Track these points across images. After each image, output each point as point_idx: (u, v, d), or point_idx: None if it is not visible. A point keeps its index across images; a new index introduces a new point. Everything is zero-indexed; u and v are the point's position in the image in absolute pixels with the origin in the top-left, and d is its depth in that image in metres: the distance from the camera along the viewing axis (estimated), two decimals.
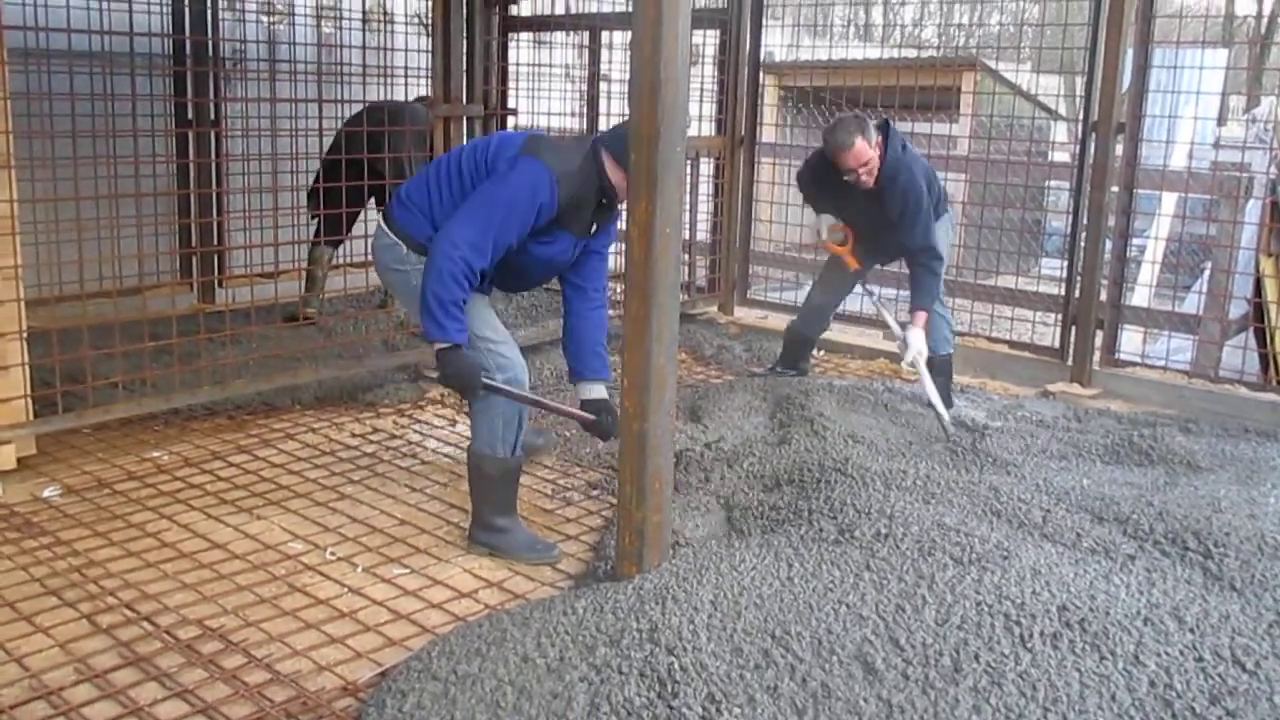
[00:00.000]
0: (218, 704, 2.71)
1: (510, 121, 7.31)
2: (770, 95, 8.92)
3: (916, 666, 2.68)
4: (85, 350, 4.35)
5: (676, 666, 2.63)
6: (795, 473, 4.00)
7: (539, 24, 7.64)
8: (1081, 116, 5.71)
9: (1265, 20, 18.16)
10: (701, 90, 6.99)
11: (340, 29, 7.43)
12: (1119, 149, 5.51)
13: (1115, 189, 5.58)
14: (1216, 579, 3.23)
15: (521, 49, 7.68)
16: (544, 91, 7.56)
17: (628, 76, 2.99)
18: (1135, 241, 6.71)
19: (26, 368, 4.14)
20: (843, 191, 4.87)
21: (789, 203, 7.04)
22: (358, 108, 6.09)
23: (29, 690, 2.75)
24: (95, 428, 4.59)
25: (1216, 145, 7.86)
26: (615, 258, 6.03)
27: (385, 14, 7.38)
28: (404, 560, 3.58)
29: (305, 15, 7.21)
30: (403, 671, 2.74)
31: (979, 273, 6.67)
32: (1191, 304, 6.83)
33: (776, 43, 8.21)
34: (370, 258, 3.79)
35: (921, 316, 4.80)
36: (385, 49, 6.86)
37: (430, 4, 5.29)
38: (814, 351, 5.81)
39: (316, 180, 5.99)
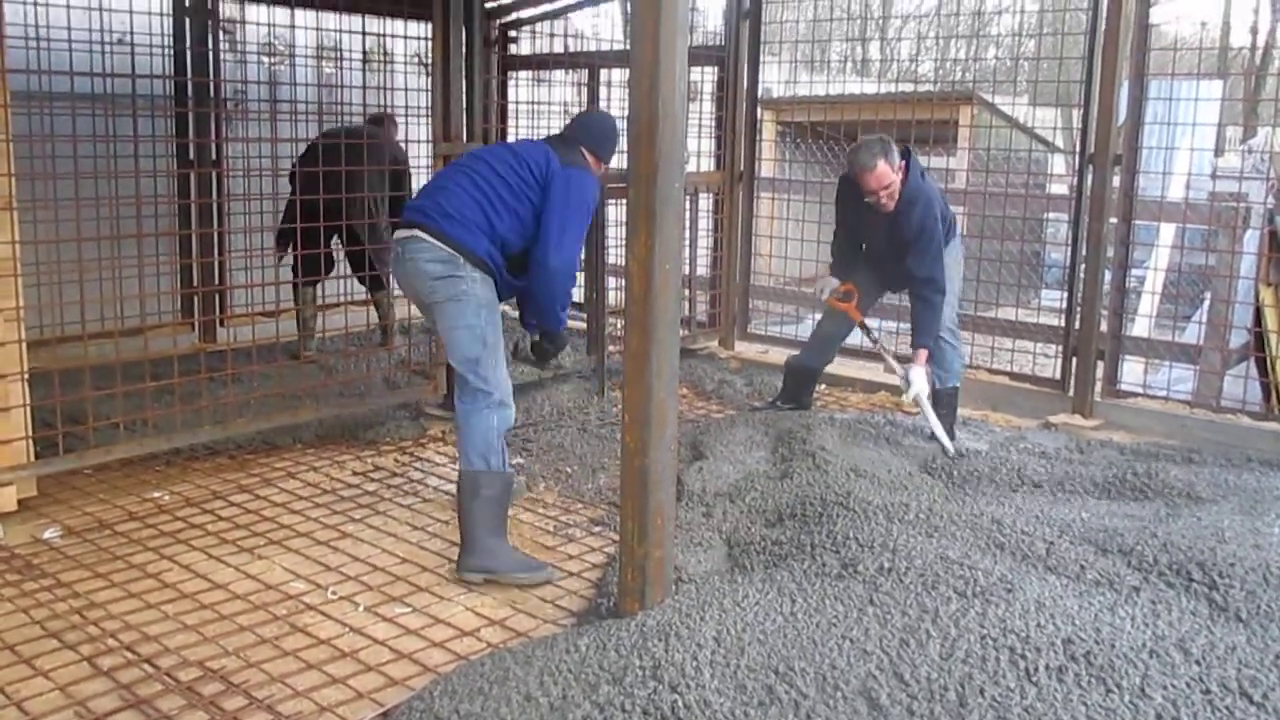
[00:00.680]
0: None
1: None
2: (768, 131, 8.98)
3: (921, 702, 2.67)
4: (87, 391, 4.36)
5: (680, 704, 2.62)
6: (797, 507, 3.99)
7: (538, 62, 7.71)
8: (1079, 149, 5.76)
9: (1260, 52, 18.31)
10: (700, 126, 7.05)
11: (341, 69, 7.50)
12: (1116, 181, 5.55)
13: (1113, 220, 5.61)
14: (1222, 610, 3.22)
15: (521, 87, 7.75)
16: (543, 128, 7.62)
17: (626, 113, 3.01)
18: (1134, 272, 6.73)
19: (28, 409, 4.15)
20: (863, 211, 4.96)
21: (788, 237, 7.09)
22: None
23: None
24: (96, 468, 4.59)
25: (1214, 176, 7.89)
26: (615, 292, 6.09)
27: (385, 54, 7.46)
28: (406, 599, 3.57)
29: (306, 56, 7.28)
30: (405, 712, 2.73)
31: (979, 305, 6.69)
32: (1192, 334, 6.84)
33: (774, 78, 8.29)
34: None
35: (923, 354, 4.84)
36: (385, 88, 6.93)
37: (430, 44, 5.35)
38: (817, 386, 5.81)
39: (284, 220, 6.03)
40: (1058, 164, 10.45)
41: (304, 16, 6.99)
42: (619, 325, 5.73)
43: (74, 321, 4.85)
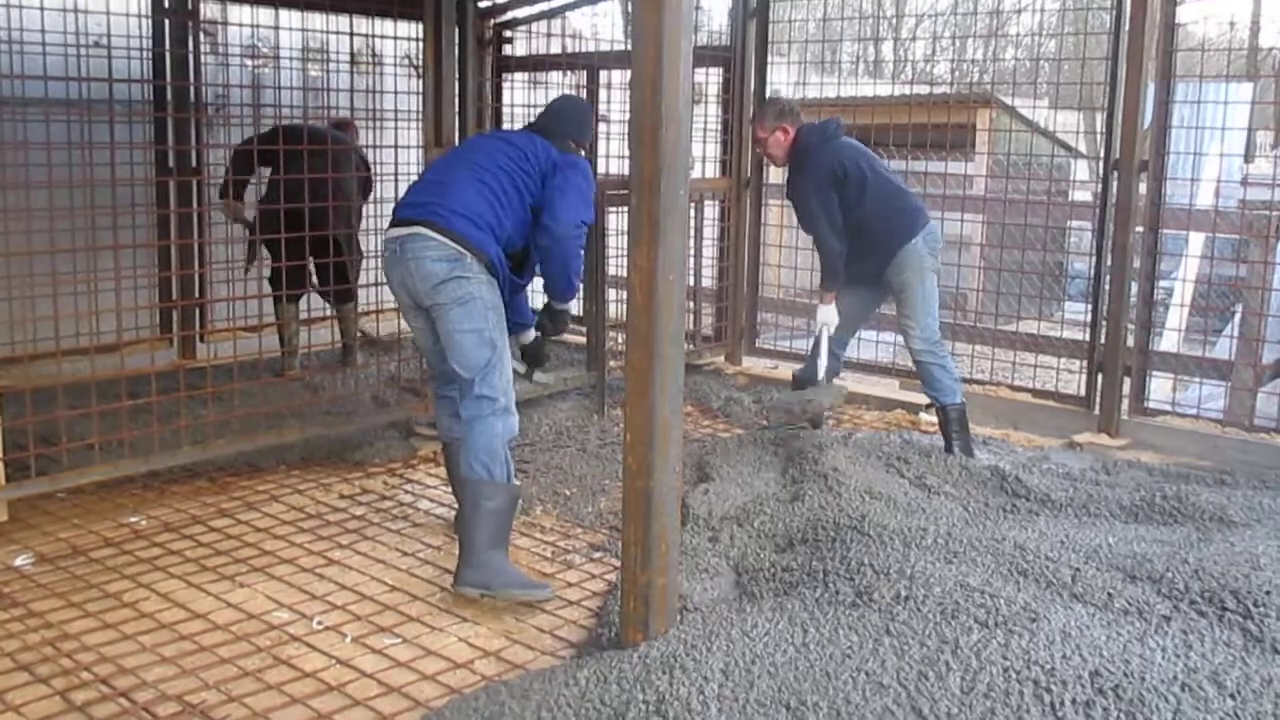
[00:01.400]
0: None
1: None
2: None
3: None
4: (60, 411, 4.36)
5: None
6: (809, 531, 3.99)
7: (534, 64, 7.73)
8: (1103, 154, 5.77)
9: None
10: (705, 130, 7.07)
11: (327, 72, 7.52)
12: (1142, 188, 5.56)
13: (1140, 229, 5.62)
14: (1258, 640, 3.20)
15: (516, 90, 7.77)
16: None
17: (627, 117, 3.02)
18: (1162, 284, 6.72)
19: None
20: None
21: (798, 246, 7.08)
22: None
23: None
24: (70, 492, 4.59)
25: (1244, 183, 7.91)
26: (616, 305, 6.10)
27: (374, 56, 7.48)
28: (395, 629, 3.56)
29: (291, 58, 7.30)
30: None
31: (1000, 318, 6.69)
32: (1223, 349, 6.83)
33: (782, 80, 8.29)
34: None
35: (829, 296, 5.24)
36: (374, 91, 6.95)
37: (421, 45, 5.36)
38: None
39: (252, 231, 6.02)
40: (1081, 169, 10.47)
41: (288, 17, 7.01)
42: (620, 340, 5.73)
43: (47, 338, 4.86)
